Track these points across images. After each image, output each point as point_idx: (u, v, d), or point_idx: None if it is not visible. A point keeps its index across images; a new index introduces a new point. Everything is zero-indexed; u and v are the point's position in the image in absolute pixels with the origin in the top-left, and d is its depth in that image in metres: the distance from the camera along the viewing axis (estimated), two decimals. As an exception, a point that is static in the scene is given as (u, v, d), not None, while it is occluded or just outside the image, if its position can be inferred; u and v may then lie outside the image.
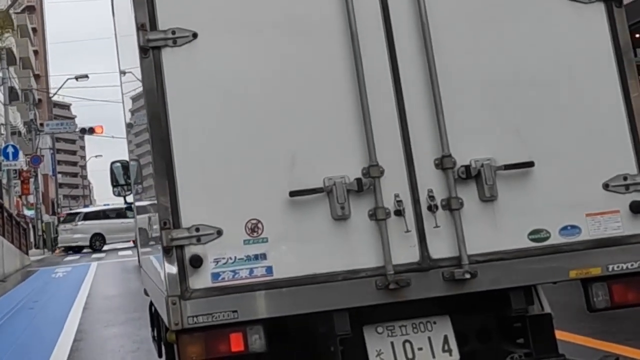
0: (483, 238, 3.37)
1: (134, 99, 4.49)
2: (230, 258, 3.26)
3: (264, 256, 3.28)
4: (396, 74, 3.43)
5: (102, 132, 37.73)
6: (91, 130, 38.62)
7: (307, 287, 3.25)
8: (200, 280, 3.23)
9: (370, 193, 3.35)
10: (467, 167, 3.38)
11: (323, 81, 3.40)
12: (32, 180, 37.90)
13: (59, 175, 68.99)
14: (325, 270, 3.28)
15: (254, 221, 3.29)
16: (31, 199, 43.07)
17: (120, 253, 26.17)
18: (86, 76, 38.61)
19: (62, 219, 38.34)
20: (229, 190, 3.30)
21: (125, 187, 6.27)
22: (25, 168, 37.91)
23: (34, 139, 40.76)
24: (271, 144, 3.34)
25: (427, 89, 3.42)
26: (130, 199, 6.11)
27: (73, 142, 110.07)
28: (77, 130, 41.17)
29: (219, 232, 3.26)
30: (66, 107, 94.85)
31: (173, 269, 3.24)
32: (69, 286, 16.33)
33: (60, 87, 38.58)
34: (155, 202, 3.34)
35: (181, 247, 3.24)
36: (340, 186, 3.32)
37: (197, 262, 3.22)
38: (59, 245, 35.00)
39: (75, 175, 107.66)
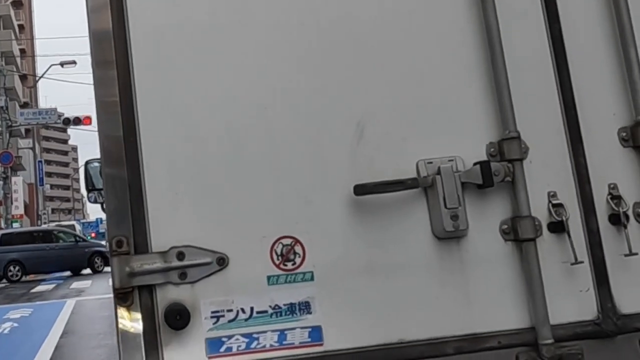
0: None
1: None
2: (243, 310, 2.24)
3: (306, 307, 2.27)
4: None
5: (90, 123, 36.78)
6: (77, 121, 37.39)
7: None
8: (186, 354, 2.21)
9: (505, 190, 2.35)
10: None
11: None
12: (0, 183, 37.24)
13: (47, 187, 70.22)
14: (421, 335, 2.31)
15: (288, 241, 2.27)
16: (15, 209, 42.73)
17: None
18: (74, 62, 38.34)
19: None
20: (239, 184, 2.28)
21: (102, 192, 5.66)
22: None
23: (4, 131, 40.19)
24: (320, 98, 2.34)
25: (603, 5, 2.45)
26: None
27: (65, 153, 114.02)
28: (60, 120, 40.50)
29: (222, 261, 2.24)
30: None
31: (133, 330, 2.18)
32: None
33: (45, 72, 38.42)
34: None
35: (150, 287, 2.21)
36: (449, 176, 2.31)
37: (179, 317, 2.21)
38: None
39: (67, 188, 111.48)
